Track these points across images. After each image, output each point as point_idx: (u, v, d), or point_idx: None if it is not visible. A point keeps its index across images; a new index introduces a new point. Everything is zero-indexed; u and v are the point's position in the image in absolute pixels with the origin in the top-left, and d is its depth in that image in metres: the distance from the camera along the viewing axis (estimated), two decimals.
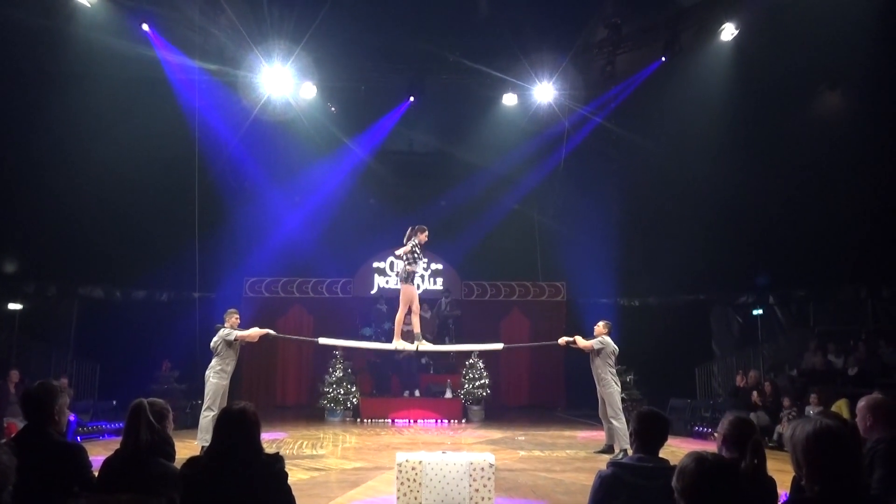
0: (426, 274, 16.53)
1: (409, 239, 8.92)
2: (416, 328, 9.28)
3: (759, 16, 12.37)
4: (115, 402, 11.76)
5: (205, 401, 8.17)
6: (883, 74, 11.47)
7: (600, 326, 8.98)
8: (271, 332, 8.94)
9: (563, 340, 9.26)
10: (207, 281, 13.61)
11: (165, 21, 12.59)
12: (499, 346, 10.54)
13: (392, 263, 16.53)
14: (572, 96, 14.56)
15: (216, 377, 8.16)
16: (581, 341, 8.93)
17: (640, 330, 14.35)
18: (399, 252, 8.93)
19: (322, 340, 9.80)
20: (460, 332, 15.04)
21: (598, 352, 8.75)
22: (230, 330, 8.35)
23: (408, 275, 9.04)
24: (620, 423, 8.48)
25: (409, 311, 9.21)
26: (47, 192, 12.46)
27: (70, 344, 13.20)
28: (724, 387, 13.65)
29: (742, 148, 13.49)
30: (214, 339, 8.33)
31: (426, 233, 9.06)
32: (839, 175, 12.43)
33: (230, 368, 8.31)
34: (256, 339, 8.66)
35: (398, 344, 9.16)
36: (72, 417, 9.24)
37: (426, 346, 9.62)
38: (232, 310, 8.74)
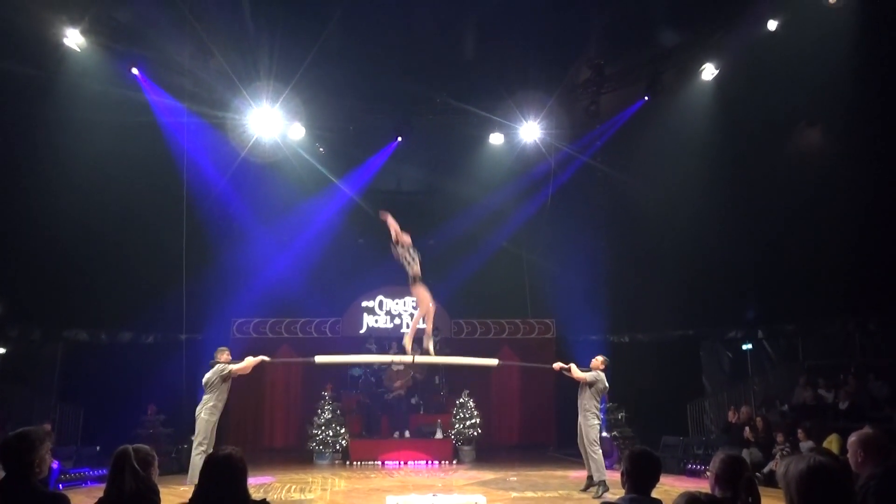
0: (415, 312, 16.45)
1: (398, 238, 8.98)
2: (429, 328, 9.30)
3: (738, 56, 12.68)
4: (98, 448, 11.51)
5: (196, 437, 8.07)
6: (861, 111, 11.73)
7: (598, 361, 8.99)
8: (265, 358, 8.92)
9: (557, 365, 9.24)
10: (194, 322, 13.48)
11: (155, 65, 12.74)
12: (494, 361, 10.66)
13: (381, 302, 16.50)
14: (558, 135, 14.78)
15: (207, 413, 8.09)
16: (576, 371, 8.92)
17: (630, 366, 14.30)
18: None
19: (318, 359, 9.73)
20: (450, 371, 14.94)
21: (591, 385, 8.75)
22: (225, 364, 8.31)
23: (413, 278, 9.05)
24: (597, 455, 8.55)
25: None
26: (31, 234, 12.39)
27: (54, 388, 12.96)
28: (716, 423, 13.58)
29: (726, 184, 13.68)
30: (208, 374, 8.28)
31: (409, 237, 9.15)
32: (822, 209, 12.60)
33: (222, 405, 8.25)
34: (251, 370, 8.60)
35: (395, 357, 9.19)
36: (54, 464, 9.03)
37: (422, 358, 9.64)
38: (223, 347, 8.73)
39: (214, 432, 8.14)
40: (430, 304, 9.25)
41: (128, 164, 12.52)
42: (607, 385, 8.88)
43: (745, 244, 13.78)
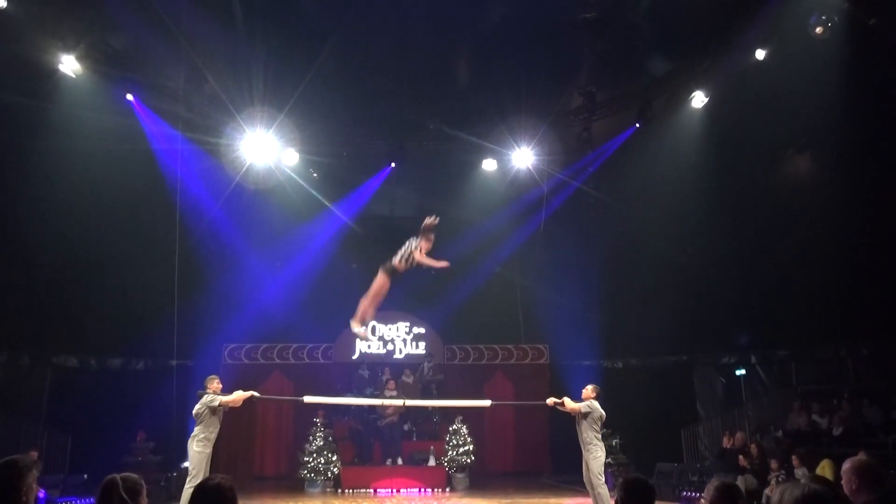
0: (408, 338, 16.41)
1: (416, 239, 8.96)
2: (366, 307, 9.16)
3: (727, 84, 12.85)
4: (86, 477, 11.34)
5: (189, 471, 7.87)
6: (849, 137, 11.89)
7: (588, 390, 8.81)
8: (255, 394, 8.74)
9: (551, 401, 9.10)
10: (185, 348, 13.39)
11: (149, 91, 12.80)
12: (486, 402, 10.44)
13: (374, 327, 16.43)
14: (550, 161, 14.87)
15: (199, 446, 7.88)
16: (569, 403, 8.76)
17: (624, 392, 14.26)
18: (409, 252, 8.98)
19: (307, 399, 9.64)
20: (443, 397, 14.82)
21: (585, 416, 8.60)
22: (214, 396, 8.12)
23: (391, 269, 9.00)
24: (602, 490, 8.33)
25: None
26: (21, 259, 12.33)
27: (41, 415, 12.80)
28: (710, 449, 13.51)
29: (717, 210, 13.79)
30: (197, 406, 8.08)
31: (431, 241, 9.00)
32: (813, 236, 12.70)
33: (213, 436, 8.04)
34: (241, 404, 8.46)
35: (386, 401, 9.08)
36: (41, 493, 8.88)
37: (414, 402, 9.53)
38: (213, 376, 8.52)
39: (209, 464, 7.91)
40: (379, 294, 9.20)
41: (120, 190, 12.53)
42: (603, 413, 8.74)
43: (737, 269, 13.84)
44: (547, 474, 15.29)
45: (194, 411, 8.08)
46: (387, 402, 8.98)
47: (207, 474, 7.82)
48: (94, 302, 13.10)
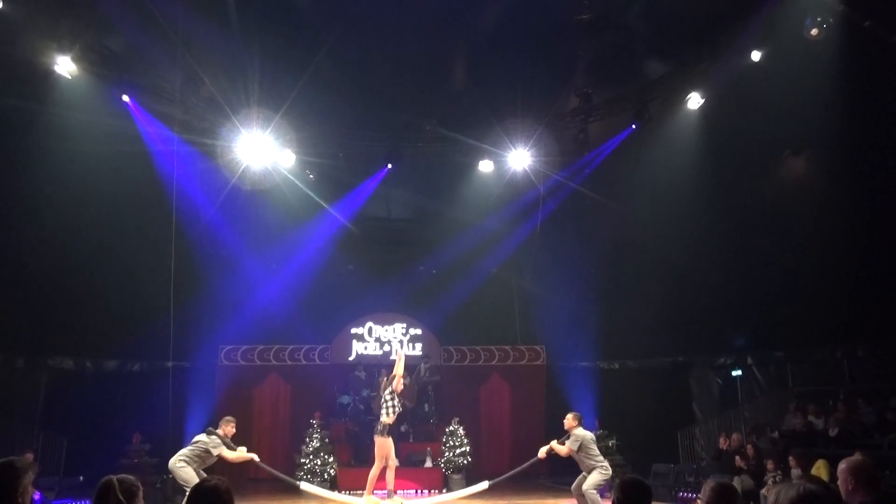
0: (405, 339, 16.40)
1: (386, 383, 9.09)
2: (390, 485, 9.40)
3: (723, 86, 12.87)
4: (81, 478, 11.32)
5: (185, 484, 7.71)
6: (845, 139, 11.93)
7: (569, 419, 8.58)
8: (255, 457, 8.66)
9: (543, 454, 8.98)
10: (181, 350, 13.37)
11: (145, 92, 12.77)
12: (484, 485, 10.17)
13: (370, 329, 16.43)
14: (547, 163, 14.87)
15: (182, 463, 7.74)
16: (557, 447, 8.54)
17: (620, 393, 14.28)
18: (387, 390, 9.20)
19: (304, 486, 9.88)
20: (440, 398, 14.84)
21: (579, 449, 8.40)
22: (219, 442, 7.99)
23: (383, 427, 9.02)
24: (595, 497, 8.24)
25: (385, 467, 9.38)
26: (16, 261, 12.30)
27: (37, 417, 12.77)
28: (706, 450, 13.53)
29: (714, 211, 13.82)
30: (200, 439, 7.99)
31: (400, 382, 9.27)
32: (809, 237, 12.73)
33: (194, 466, 7.84)
34: (236, 462, 8.31)
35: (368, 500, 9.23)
36: (36, 496, 8.85)
37: (395, 501, 9.65)
38: (229, 418, 8.40)
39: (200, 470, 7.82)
40: (391, 459, 9.28)
41: (116, 192, 12.50)
42: (592, 436, 8.61)
43: (733, 271, 13.87)
44: (543, 476, 15.28)
45: (195, 439, 8.01)
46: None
47: (202, 476, 7.78)
48: (89, 304, 13.07)
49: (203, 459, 7.97)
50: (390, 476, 9.22)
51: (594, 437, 8.58)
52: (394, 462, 9.32)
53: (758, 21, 11.41)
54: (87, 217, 12.50)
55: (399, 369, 9.67)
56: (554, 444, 8.64)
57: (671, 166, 13.77)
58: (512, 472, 10.21)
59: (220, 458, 8.11)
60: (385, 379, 9.74)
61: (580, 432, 8.40)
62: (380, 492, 12.63)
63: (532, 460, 9.42)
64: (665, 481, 11.96)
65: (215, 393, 14.53)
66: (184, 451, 7.95)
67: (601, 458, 8.43)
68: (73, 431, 12.37)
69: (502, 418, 15.99)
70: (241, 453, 8.21)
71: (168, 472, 11.77)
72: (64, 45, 11.25)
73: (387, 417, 9.22)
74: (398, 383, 9.55)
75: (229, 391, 14.68)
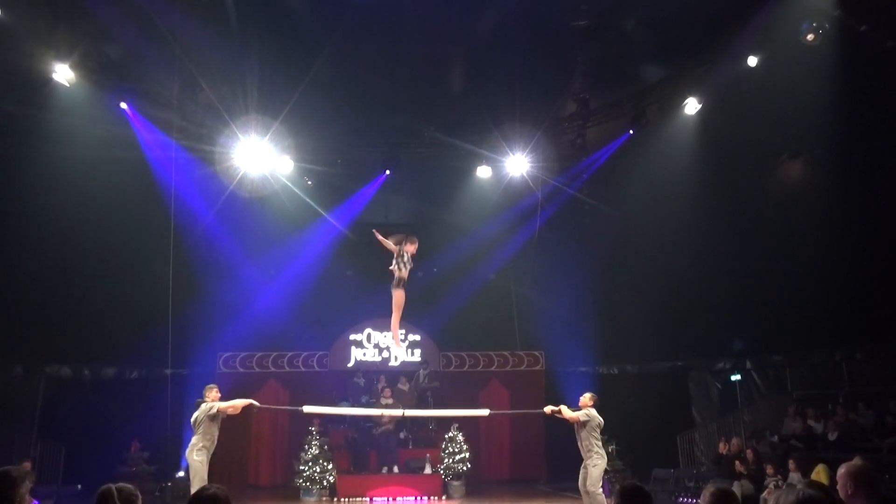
0: (403, 345, 16.38)
1: (398, 245, 8.97)
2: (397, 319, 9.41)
3: (720, 90, 12.92)
4: (80, 487, 11.27)
5: (192, 484, 7.75)
6: (842, 143, 11.97)
7: (586, 398, 8.72)
8: (255, 402, 8.67)
9: (549, 409, 9.06)
10: (180, 357, 13.34)
11: (144, 99, 12.79)
12: (485, 412, 10.47)
13: (369, 335, 16.41)
14: (545, 168, 14.90)
15: (199, 455, 7.82)
16: (567, 412, 8.67)
17: (620, 398, 14.22)
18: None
19: (307, 409, 9.64)
20: (439, 405, 14.77)
21: (584, 424, 8.52)
22: (212, 403, 8.07)
23: (398, 280, 8.97)
24: (600, 497, 8.30)
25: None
26: (14, 268, 12.28)
27: (35, 425, 12.72)
28: (706, 455, 13.52)
29: (712, 216, 13.84)
30: (196, 413, 8.05)
31: (416, 244, 9.14)
32: (806, 241, 12.76)
33: (212, 446, 7.99)
34: (239, 411, 8.41)
35: (385, 411, 9.15)
36: None
37: (413, 412, 9.58)
38: (211, 385, 8.49)
39: (206, 474, 7.86)
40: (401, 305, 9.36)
41: (114, 198, 12.50)
42: (601, 420, 8.69)
43: (731, 275, 13.88)
44: (543, 482, 15.25)
45: (192, 419, 8.05)
46: (385, 412, 9.01)
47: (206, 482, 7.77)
48: (87, 311, 13.04)
49: (212, 434, 8.01)
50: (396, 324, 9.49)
51: (601, 424, 8.62)
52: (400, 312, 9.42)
53: (754, 26, 11.46)
54: (85, 224, 12.49)
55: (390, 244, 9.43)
56: (564, 407, 8.75)
57: (669, 171, 13.80)
58: (513, 411, 10.50)
59: (226, 415, 8.19)
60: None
61: (593, 412, 8.54)
62: (379, 499, 12.63)
63: (536, 411, 9.71)
64: (665, 486, 11.95)
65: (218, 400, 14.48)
66: (194, 439, 7.98)
67: (600, 444, 8.55)
68: (72, 439, 12.33)
69: (502, 424, 15.94)
70: (238, 402, 8.29)
71: (167, 479, 11.82)
72: (62, 53, 11.28)
73: (399, 271, 9.12)
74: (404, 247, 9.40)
75: (228, 398, 14.61)
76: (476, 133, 14.36)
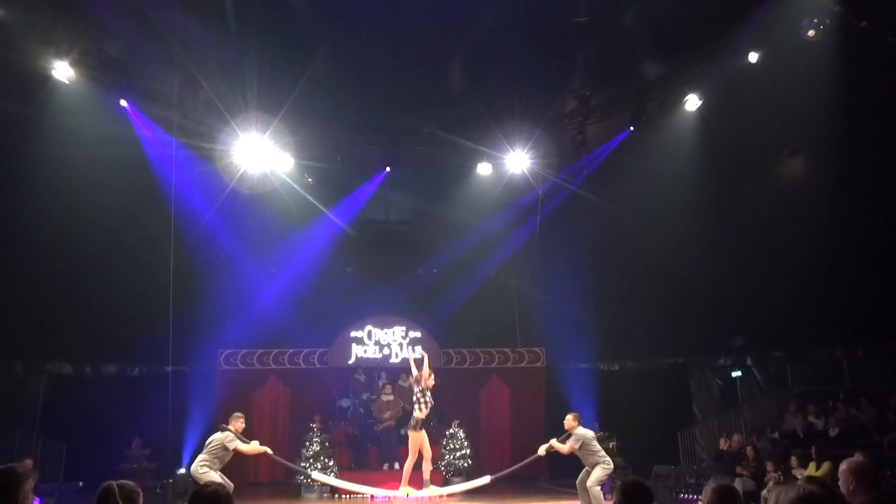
0: (404, 342, 16.39)
1: (415, 381, 9.37)
2: (427, 475, 9.57)
3: (720, 87, 12.92)
4: (81, 484, 11.28)
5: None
6: (842, 139, 11.96)
7: (569, 420, 8.77)
8: (269, 450, 8.75)
9: (542, 451, 9.11)
10: (181, 354, 13.34)
11: (143, 97, 12.78)
12: (486, 479, 10.25)
13: (370, 332, 16.41)
14: (545, 165, 14.90)
15: (203, 470, 7.84)
16: (557, 445, 8.75)
17: (620, 395, 14.27)
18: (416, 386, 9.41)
19: (315, 475, 10.14)
20: (440, 401, 14.78)
21: (581, 446, 8.55)
22: (232, 437, 8.10)
23: (416, 423, 9.25)
24: (597, 492, 8.38)
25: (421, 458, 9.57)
26: (15, 266, 12.28)
27: (36, 423, 12.74)
28: (707, 451, 13.52)
29: (712, 212, 13.84)
30: (214, 437, 8.11)
31: (431, 378, 9.49)
32: (806, 237, 12.75)
33: (216, 468, 8.01)
34: (251, 455, 8.50)
35: (405, 490, 9.40)
36: (36, 502, 8.82)
37: (432, 490, 9.73)
38: (238, 414, 8.49)
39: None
40: (426, 451, 9.56)
41: (114, 196, 12.50)
42: (592, 433, 8.76)
43: (732, 272, 13.88)
44: (544, 478, 15.26)
45: (209, 440, 8.12)
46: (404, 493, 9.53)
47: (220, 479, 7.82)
48: (88, 308, 13.05)
49: (221, 458, 8.07)
50: (426, 466, 9.50)
51: (594, 435, 8.68)
52: (428, 452, 9.55)
53: (755, 22, 11.46)
54: (85, 221, 12.49)
55: (426, 369, 9.72)
56: (554, 441, 8.85)
57: (669, 168, 13.80)
58: (512, 468, 10.34)
59: (236, 453, 8.22)
60: (413, 377, 9.79)
61: (580, 431, 8.59)
62: (381, 495, 12.63)
63: (532, 457, 9.61)
64: (666, 483, 11.94)
65: (215, 397, 14.49)
66: (202, 455, 8.03)
67: (603, 453, 8.61)
68: (73, 437, 12.34)
69: (502, 420, 15.96)
70: (255, 446, 8.34)
71: (168, 476, 11.83)
72: (62, 50, 11.28)
73: (419, 412, 9.37)
74: (428, 380, 9.59)
75: (229, 395, 14.63)
76: (476, 130, 14.36)
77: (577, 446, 8.49)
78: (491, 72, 13.44)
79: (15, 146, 11.75)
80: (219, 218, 14.65)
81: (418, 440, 9.34)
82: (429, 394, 9.43)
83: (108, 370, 14.37)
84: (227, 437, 8.06)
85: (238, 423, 8.28)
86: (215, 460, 7.99)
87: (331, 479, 11.13)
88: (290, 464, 10.93)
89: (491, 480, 10.30)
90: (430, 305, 15.51)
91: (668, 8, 11.64)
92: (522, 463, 10.04)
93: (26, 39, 10.86)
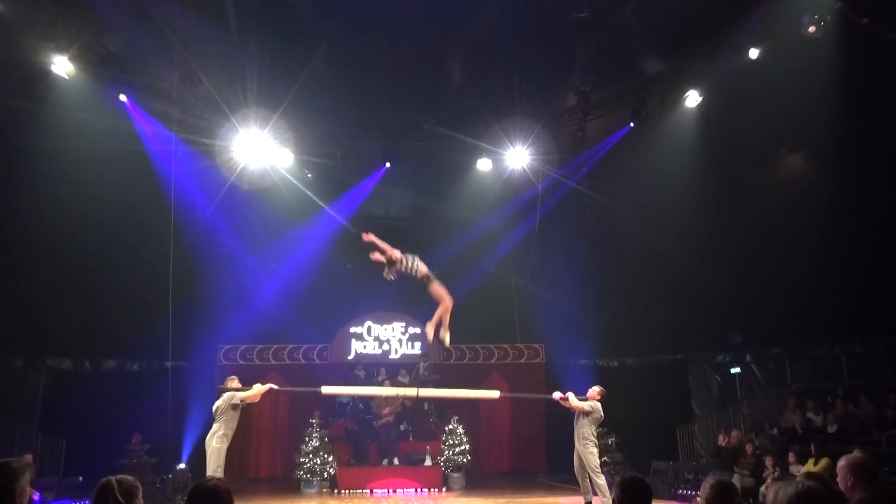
0: (404, 338, 16.40)
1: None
2: (446, 320, 9.16)
3: (721, 83, 12.89)
4: (81, 479, 11.31)
5: (209, 468, 7.83)
6: (843, 136, 11.94)
7: (594, 392, 8.93)
8: (274, 386, 8.76)
9: (556, 395, 9.17)
10: (180, 349, 13.36)
11: (143, 92, 12.76)
12: (495, 394, 10.53)
13: (369, 328, 16.42)
14: (545, 161, 14.88)
15: (219, 442, 7.93)
16: (573, 400, 8.84)
17: (620, 391, 14.19)
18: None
19: (325, 390, 9.70)
20: (440, 402, 14.81)
21: (587, 414, 8.71)
22: (234, 392, 8.18)
23: (424, 278, 8.91)
24: (601, 480, 8.50)
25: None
26: (13, 261, 12.28)
27: (36, 418, 12.76)
28: (706, 447, 13.55)
29: (712, 209, 13.83)
30: (218, 402, 8.15)
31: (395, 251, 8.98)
32: (806, 234, 12.74)
33: (231, 432, 8.10)
34: (259, 398, 8.49)
35: (400, 389, 9.28)
36: (35, 496, 8.84)
37: (427, 391, 9.66)
38: (232, 376, 8.61)
39: (224, 460, 7.98)
40: (448, 300, 9.20)
41: (114, 191, 12.48)
42: (603, 415, 8.85)
43: (731, 268, 13.87)
44: (543, 474, 15.30)
45: (214, 407, 8.16)
46: (401, 391, 9.19)
47: (222, 468, 7.85)
48: (87, 304, 13.05)
49: (233, 420, 8.10)
50: (445, 317, 9.14)
51: (602, 419, 8.87)
52: (448, 303, 9.08)
53: (756, 18, 11.43)
54: (84, 216, 12.49)
55: (382, 245, 9.17)
56: (571, 395, 8.89)
57: (669, 164, 13.79)
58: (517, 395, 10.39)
59: (248, 404, 8.29)
60: (384, 260, 9.30)
61: (598, 405, 8.78)
62: (380, 491, 12.67)
63: (545, 396, 10.13)
64: (665, 479, 11.97)
65: (214, 393, 14.51)
66: (215, 426, 8.05)
67: (595, 435, 8.82)
68: (72, 432, 12.36)
69: (502, 417, 15.98)
70: (258, 388, 8.34)
71: (168, 472, 11.85)
72: (61, 45, 11.25)
73: (420, 271, 8.99)
74: (392, 251, 9.16)
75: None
76: (476, 126, 14.34)
77: (587, 409, 8.67)
78: (491, 68, 13.42)
79: (15, 141, 11.74)
80: (218, 213, 14.65)
81: (437, 290, 9.01)
82: (407, 258, 9.10)
83: (108, 365, 14.38)
84: (230, 396, 8.12)
85: (234, 382, 8.38)
86: (229, 425, 8.04)
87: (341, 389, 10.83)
88: (298, 388, 10.74)
89: (500, 396, 10.81)
90: (429, 301, 15.46)
91: (668, 4, 11.61)
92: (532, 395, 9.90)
93: (26, 34, 10.83)
